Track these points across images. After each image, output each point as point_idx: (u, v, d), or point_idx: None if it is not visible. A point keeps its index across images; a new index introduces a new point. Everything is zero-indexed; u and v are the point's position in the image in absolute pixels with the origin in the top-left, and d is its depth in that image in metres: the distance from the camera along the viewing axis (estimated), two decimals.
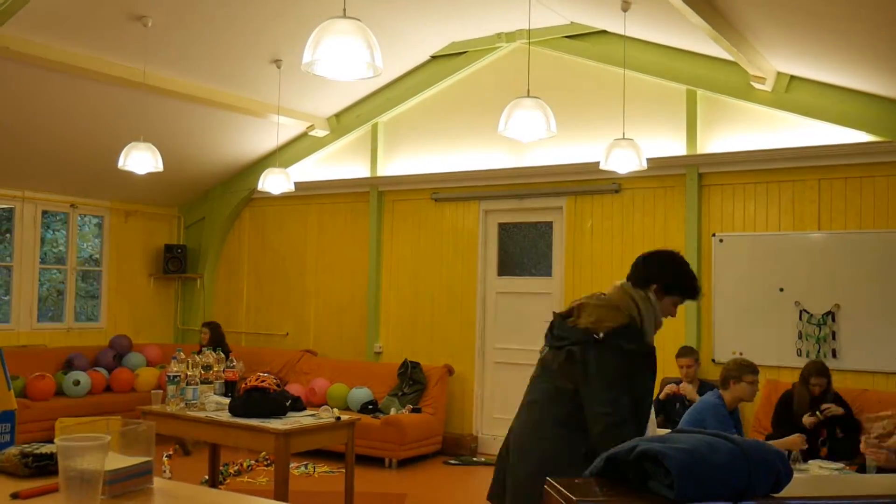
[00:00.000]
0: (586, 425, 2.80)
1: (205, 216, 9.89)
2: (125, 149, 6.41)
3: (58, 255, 9.20)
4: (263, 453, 7.14)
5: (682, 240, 7.00)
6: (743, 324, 6.73)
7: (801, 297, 6.50)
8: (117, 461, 1.72)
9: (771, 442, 5.00)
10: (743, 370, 4.86)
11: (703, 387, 6.29)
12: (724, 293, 6.80)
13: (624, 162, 5.96)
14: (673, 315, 3.13)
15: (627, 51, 6.78)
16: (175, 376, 5.33)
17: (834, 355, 6.31)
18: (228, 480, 6.58)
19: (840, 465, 5.08)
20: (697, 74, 6.90)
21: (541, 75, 6.95)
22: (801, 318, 6.48)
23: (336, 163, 9.01)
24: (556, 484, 1.65)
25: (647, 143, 6.67)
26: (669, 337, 6.99)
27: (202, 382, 5.42)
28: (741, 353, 6.65)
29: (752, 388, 4.89)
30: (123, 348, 8.94)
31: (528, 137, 4.90)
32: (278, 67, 7.43)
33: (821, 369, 5.76)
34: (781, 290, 6.58)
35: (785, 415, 5.89)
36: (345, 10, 3.32)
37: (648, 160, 6.18)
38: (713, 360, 6.74)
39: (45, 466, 1.84)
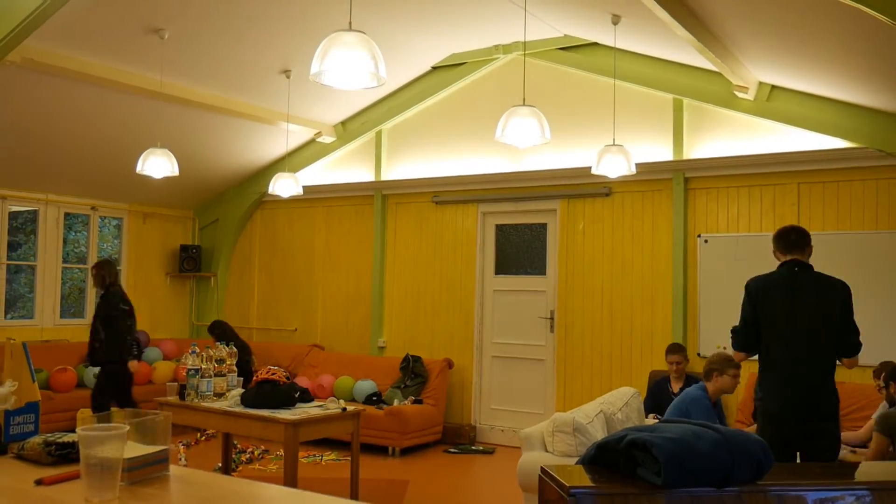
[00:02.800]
0: None
1: (218, 218, 9.89)
2: (143, 154, 6.42)
3: (79, 254, 9.20)
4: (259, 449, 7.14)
5: (668, 240, 7.01)
6: (727, 320, 6.68)
7: None
8: (135, 450, 1.72)
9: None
10: (726, 364, 4.88)
11: (689, 381, 6.29)
12: (709, 291, 6.80)
13: (614, 167, 5.96)
14: None
15: (617, 62, 6.78)
16: (196, 370, 5.34)
17: None
18: (241, 468, 6.58)
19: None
20: (683, 84, 6.90)
21: (536, 85, 6.96)
22: None
23: (342, 168, 9.01)
24: (550, 471, 1.64)
25: (636, 149, 6.68)
26: (658, 332, 7.01)
27: (215, 375, 5.42)
28: (725, 348, 6.66)
29: (733, 381, 4.91)
30: (141, 343, 8.92)
31: (524, 143, 4.90)
32: (287, 77, 7.43)
33: None
34: None
35: None
36: (350, 23, 3.32)
37: (637, 165, 6.18)
38: (699, 355, 6.74)
39: (67, 454, 1.84)
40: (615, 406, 5.15)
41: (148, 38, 6.37)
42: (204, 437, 7.56)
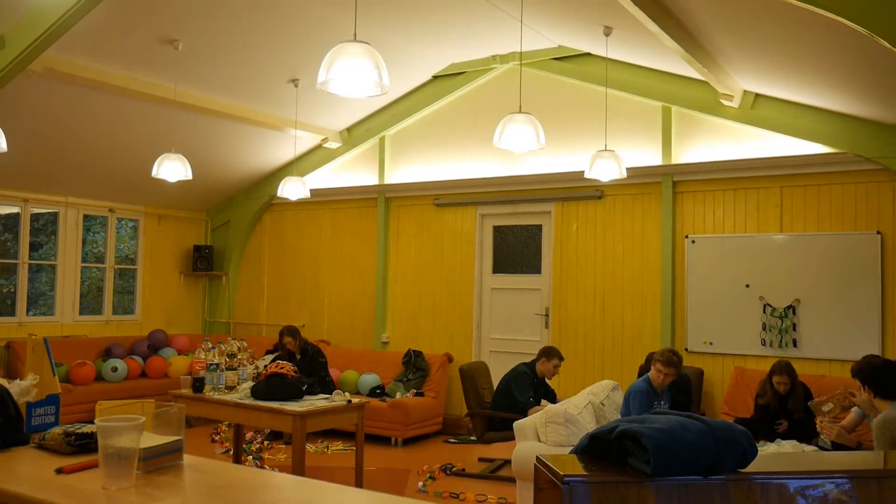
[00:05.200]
0: None
1: (229, 219, 9.89)
2: (158, 159, 6.42)
3: (97, 254, 9.20)
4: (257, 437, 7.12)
5: (657, 241, 7.01)
6: (713, 316, 6.73)
7: (765, 293, 6.50)
8: (151, 440, 1.72)
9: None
10: (654, 357, 5.12)
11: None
12: (696, 289, 6.80)
13: (606, 171, 5.96)
14: None
15: (609, 71, 6.78)
16: (215, 364, 5.33)
17: (794, 345, 6.31)
18: (251, 457, 6.58)
19: (811, 447, 5.06)
20: (672, 92, 6.90)
21: (531, 93, 6.97)
22: (764, 312, 6.48)
23: (347, 172, 9.01)
24: (545, 460, 1.64)
25: (627, 154, 6.68)
26: (647, 328, 7.01)
27: (227, 369, 5.42)
28: (711, 343, 6.69)
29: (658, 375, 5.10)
30: (160, 342, 8.94)
31: (520, 149, 4.90)
32: (295, 86, 7.43)
33: (781, 368, 5.42)
34: (747, 286, 6.58)
35: (761, 413, 5.53)
36: (355, 34, 3.32)
37: (628, 169, 6.18)
38: (686, 350, 6.74)
39: (86, 444, 1.84)
40: (599, 397, 5.17)
41: (163, 48, 6.37)
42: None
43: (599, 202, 7.37)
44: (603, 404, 5.08)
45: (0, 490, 1.56)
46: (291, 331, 7.35)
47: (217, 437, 7.24)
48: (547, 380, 6.34)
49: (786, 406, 5.42)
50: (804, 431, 5.21)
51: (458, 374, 6.56)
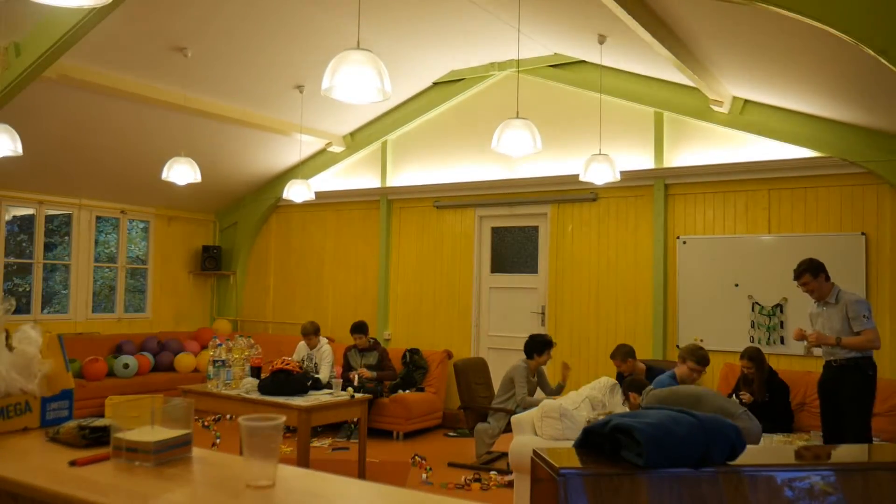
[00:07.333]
0: None
1: (237, 221, 9.89)
2: (168, 162, 6.42)
3: (109, 255, 9.20)
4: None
5: (650, 242, 7.01)
6: (703, 314, 6.73)
7: (754, 291, 6.50)
8: (161, 433, 1.72)
9: None
10: (690, 356, 4.97)
11: (651, 370, 6.27)
12: (687, 288, 6.80)
13: (600, 174, 5.96)
14: None
15: (603, 78, 6.78)
16: (222, 361, 5.33)
17: (782, 342, 6.31)
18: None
19: (797, 436, 5.10)
20: (664, 98, 6.90)
21: (528, 99, 6.96)
22: (753, 310, 6.48)
23: (350, 175, 9.01)
24: (541, 453, 1.64)
25: (620, 158, 6.68)
26: (640, 326, 7.01)
27: (234, 366, 5.42)
28: (702, 340, 6.67)
29: (691, 375, 4.99)
30: (169, 339, 8.93)
31: (518, 153, 4.90)
32: (301, 92, 7.43)
33: (747, 354, 5.67)
34: (737, 285, 6.58)
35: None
36: (359, 42, 3.32)
37: (621, 173, 6.18)
38: (677, 346, 6.74)
39: (99, 437, 1.84)
40: (598, 394, 5.17)
41: (173, 55, 6.37)
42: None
43: (594, 204, 7.37)
44: (605, 403, 5.09)
45: (15, 481, 1.56)
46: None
47: (207, 424, 7.27)
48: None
49: (749, 387, 5.70)
50: (765, 412, 5.41)
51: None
